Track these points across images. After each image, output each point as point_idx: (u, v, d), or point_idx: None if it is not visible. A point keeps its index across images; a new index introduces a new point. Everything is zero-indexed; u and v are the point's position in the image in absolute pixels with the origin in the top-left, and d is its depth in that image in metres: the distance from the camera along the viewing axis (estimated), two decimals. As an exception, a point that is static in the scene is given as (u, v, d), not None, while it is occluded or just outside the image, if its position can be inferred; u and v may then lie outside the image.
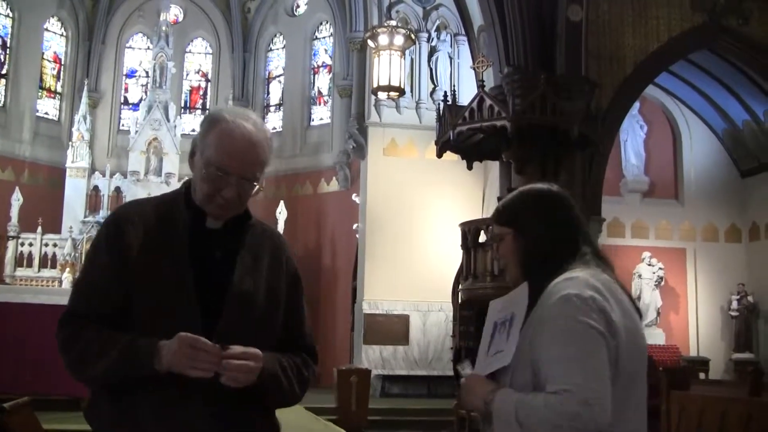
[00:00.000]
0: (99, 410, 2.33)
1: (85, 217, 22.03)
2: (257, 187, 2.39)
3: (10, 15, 24.26)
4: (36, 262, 21.20)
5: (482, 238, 11.76)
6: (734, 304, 18.61)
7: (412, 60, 18.73)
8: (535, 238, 2.44)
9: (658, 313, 18.47)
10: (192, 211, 2.36)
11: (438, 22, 19.54)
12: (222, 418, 2.25)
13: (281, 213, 21.87)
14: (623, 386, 2.20)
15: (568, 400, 2.07)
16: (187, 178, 2.55)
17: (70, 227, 21.40)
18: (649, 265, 18.60)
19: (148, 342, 2.19)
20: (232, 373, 2.19)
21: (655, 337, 18.15)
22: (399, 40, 15.11)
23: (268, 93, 25.84)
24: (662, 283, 18.60)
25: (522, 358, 2.27)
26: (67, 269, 20.46)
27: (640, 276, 18.58)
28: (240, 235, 2.41)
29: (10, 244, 21.09)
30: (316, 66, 24.94)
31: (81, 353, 2.25)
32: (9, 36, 24.17)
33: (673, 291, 18.88)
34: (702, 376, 16.71)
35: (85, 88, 23.97)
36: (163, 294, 2.24)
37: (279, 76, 25.67)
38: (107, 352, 2.21)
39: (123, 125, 25.05)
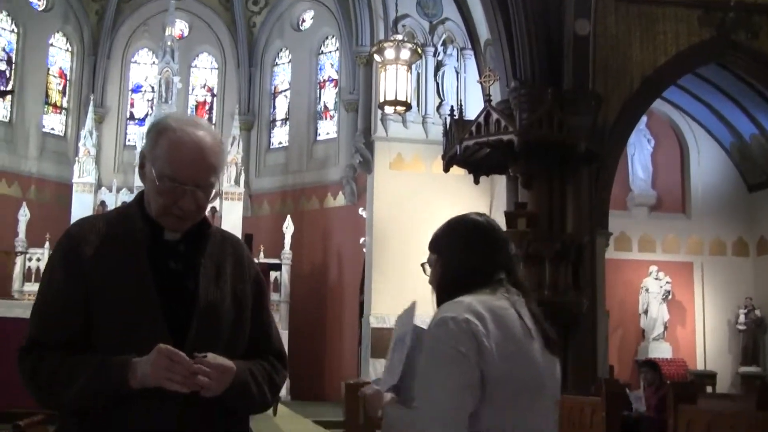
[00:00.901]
0: (68, 429, 2.27)
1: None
2: (214, 192, 2.32)
3: (15, 30, 24.30)
4: (43, 276, 21.21)
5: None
6: (741, 318, 18.55)
7: (418, 74, 18.76)
8: (448, 263, 2.59)
9: (666, 327, 18.42)
10: (149, 224, 2.30)
11: (444, 36, 19.57)
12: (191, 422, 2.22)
13: (288, 228, 21.86)
14: (503, 406, 2.29)
15: (419, 417, 2.25)
16: (138, 191, 2.48)
17: (77, 243, 21.39)
18: (656, 279, 18.56)
19: (120, 359, 2.14)
20: (204, 382, 2.15)
21: (662, 350, 18.11)
22: (405, 54, 15.11)
23: (274, 108, 25.86)
24: (669, 296, 18.55)
25: (412, 374, 2.43)
26: (74, 284, 20.45)
27: (647, 290, 18.54)
28: (200, 245, 2.34)
29: (18, 260, 21.13)
30: (322, 80, 24.96)
31: (48, 381, 2.18)
32: (14, 51, 24.20)
33: (680, 305, 18.83)
34: (709, 389, 16.65)
35: (91, 103, 23.96)
36: (127, 312, 2.18)
37: (285, 90, 25.69)
38: (77, 375, 2.15)
39: (129, 140, 25.07)
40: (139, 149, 20.84)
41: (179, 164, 2.21)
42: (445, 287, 2.56)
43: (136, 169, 2.41)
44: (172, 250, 2.29)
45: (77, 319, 2.20)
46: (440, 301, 2.56)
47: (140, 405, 2.16)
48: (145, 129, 23.12)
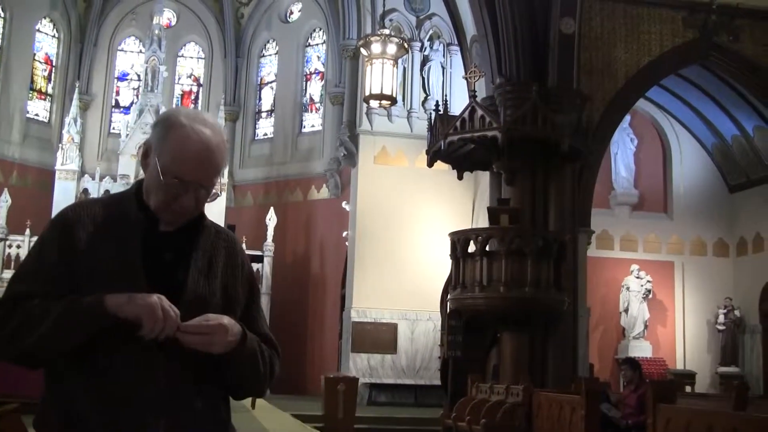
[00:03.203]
0: (47, 421, 2.24)
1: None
2: (214, 192, 2.31)
3: (2, 15, 24.14)
4: (24, 263, 21.04)
5: (472, 248, 11.77)
6: (721, 318, 18.69)
7: (404, 69, 18.79)
8: None
9: (646, 326, 18.53)
10: (144, 213, 2.29)
11: (431, 31, 19.61)
12: (174, 427, 2.20)
13: (271, 219, 21.84)
14: None
15: None
16: (137, 179, 2.45)
17: (58, 230, 21.24)
18: (638, 277, 18.67)
19: (93, 296, 2.13)
20: (195, 337, 2.14)
21: (643, 349, 18.22)
22: (392, 48, 15.13)
23: (260, 99, 25.83)
24: (650, 295, 18.66)
25: None
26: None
27: (628, 288, 18.65)
28: (194, 238, 2.34)
29: (-2, 246, 20.99)
30: (308, 73, 24.95)
31: (19, 324, 2.13)
32: (0, 36, 24.05)
33: (660, 304, 18.95)
34: (688, 389, 16.77)
35: (76, 90, 23.88)
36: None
37: (271, 82, 25.66)
38: (49, 312, 2.12)
39: (114, 128, 24.98)
40: (124, 137, 20.70)
41: (186, 163, 2.22)
42: None
43: (139, 158, 2.39)
44: (166, 241, 2.29)
45: (62, 292, 2.17)
46: None
47: (121, 401, 2.15)
48: (130, 117, 23.13)
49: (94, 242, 2.22)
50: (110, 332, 2.15)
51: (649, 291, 18.66)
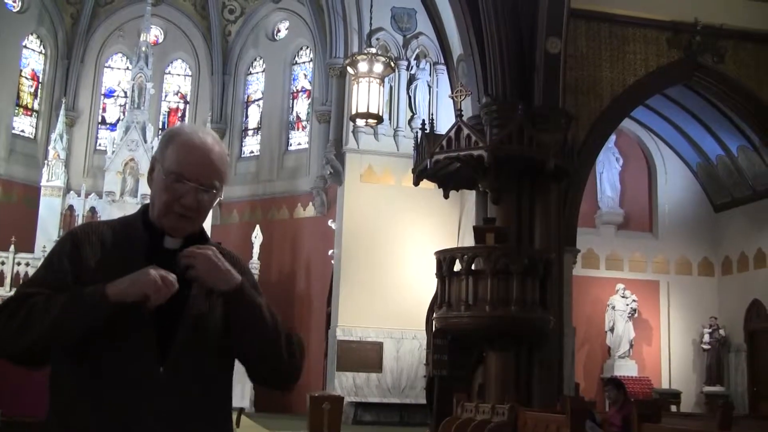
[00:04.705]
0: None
1: (59, 236, 21.81)
2: (216, 198, 2.41)
3: (-11, 32, 24.14)
4: (8, 280, 20.94)
5: (457, 266, 11.76)
6: (706, 338, 18.71)
7: (391, 87, 18.84)
8: None
9: (631, 345, 18.52)
10: (149, 232, 2.38)
11: (418, 50, 19.69)
12: None
13: (257, 237, 21.81)
14: None
15: None
16: (144, 203, 2.55)
17: (44, 246, 21.12)
18: (623, 296, 18.68)
19: (95, 285, 2.19)
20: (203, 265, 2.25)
21: (628, 368, 18.22)
22: (378, 67, 15.18)
23: (247, 116, 25.84)
24: (635, 314, 18.67)
25: None
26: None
27: (613, 307, 18.65)
28: None
29: (-19, 263, 20.87)
30: (295, 91, 24.99)
31: (27, 315, 2.17)
32: (-13, 52, 24.03)
33: (646, 323, 18.97)
34: (673, 408, 16.76)
35: (63, 106, 23.84)
36: (118, 314, 2.20)
37: (258, 99, 25.69)
38: (53, 304, 2.17)
39: (100, 145, 24.94)
40: (110, 153, 20.71)
41: (186, 162, 2.32)
42: None
43: (146, 174, 2.49)
44: (170, 258, 2.32)
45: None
46: None
47: (120, 410, 2.18)
48: (116, 134, 23.10)
49: (100, 260, 2.30)
50: (113, 351, 2.21)
51: (635, 310, 18.67)
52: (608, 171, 19.29)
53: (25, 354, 2.23)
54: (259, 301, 2.35)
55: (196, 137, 2.36)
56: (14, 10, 24.60)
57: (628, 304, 18.65)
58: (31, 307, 2.18)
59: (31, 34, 24.97)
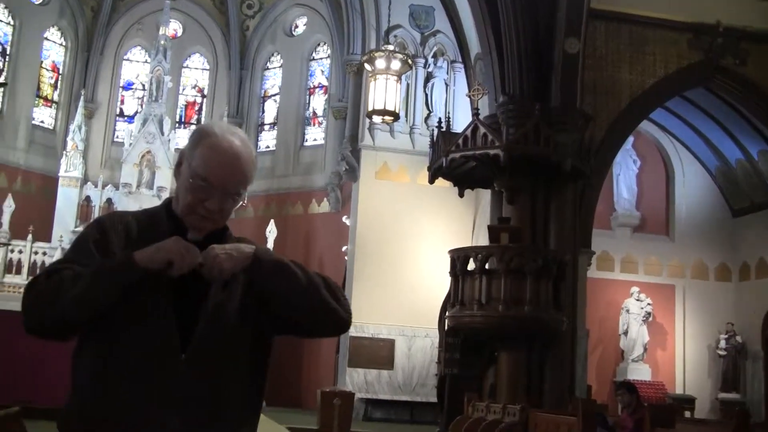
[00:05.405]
0: (70, 423, 2.30)
1: (76, 227, 21.92)
2: (240, 203, 2.44)
3: (11, 23, 24.33)
4: (25, 269, 21.03)
5: (471, 265, 11.71)
6: (722, 344, 18.55)
7: (407, 85, 18.77)
8: None
9: (645, 349, 18.42)
10: (173, 223, 2.40)
11: (435, 48, 19.61)
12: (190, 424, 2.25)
13: (271, 232, 21.81)
14: None
15: None
16: (169, 196, 2.57)
17: (60, 236, 21.25)
18: (638, 300, 18.58)
19: (122, 253, 2.27)
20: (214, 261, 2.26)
21: (641, 372, 18.11)
22: (396, 64, 15.13)
23: (263, 111, 25.86)
24: (650, 318, 18.56)
25: None
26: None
27: (628, 311, 18.55)
28: None
29: (0, 251, 20.98)
30: (312, 86, 24.98)
31: (57, 286, 2.22)
32: (9, 44, 24.22)
33: (660, 327, 18.85)
34: (687, 414, 16.65)
35: (82, 98, 23.99)
36: (139, 303, 2.25)
37: (275, 95, 25.70)
38: (82, 274, 2.22)
39: (117, 137, 25.06)
40: (127, 145, 20.90)
41: (213, 167, 2.33)
42: None
43: (173, 167, 2.55)
44: None
45: None
46: None
47: (142, 410, 2.21)
48: (134, 126, 23.23)
49: (125, 248, 2.33)
50: (135, 338, 2.25)
51: (649, 314, 18.56)
52: (625, 173, 19.19)
53: (55, 325, 2.26)
54: (282, 258, 2.36)
55: (225, 141, 2.36)
56: (36, 3, 24.75)
57: (642, 308, 18.55)
58: (61, 278, 2.23)
59: (53, 27, 25.13)
